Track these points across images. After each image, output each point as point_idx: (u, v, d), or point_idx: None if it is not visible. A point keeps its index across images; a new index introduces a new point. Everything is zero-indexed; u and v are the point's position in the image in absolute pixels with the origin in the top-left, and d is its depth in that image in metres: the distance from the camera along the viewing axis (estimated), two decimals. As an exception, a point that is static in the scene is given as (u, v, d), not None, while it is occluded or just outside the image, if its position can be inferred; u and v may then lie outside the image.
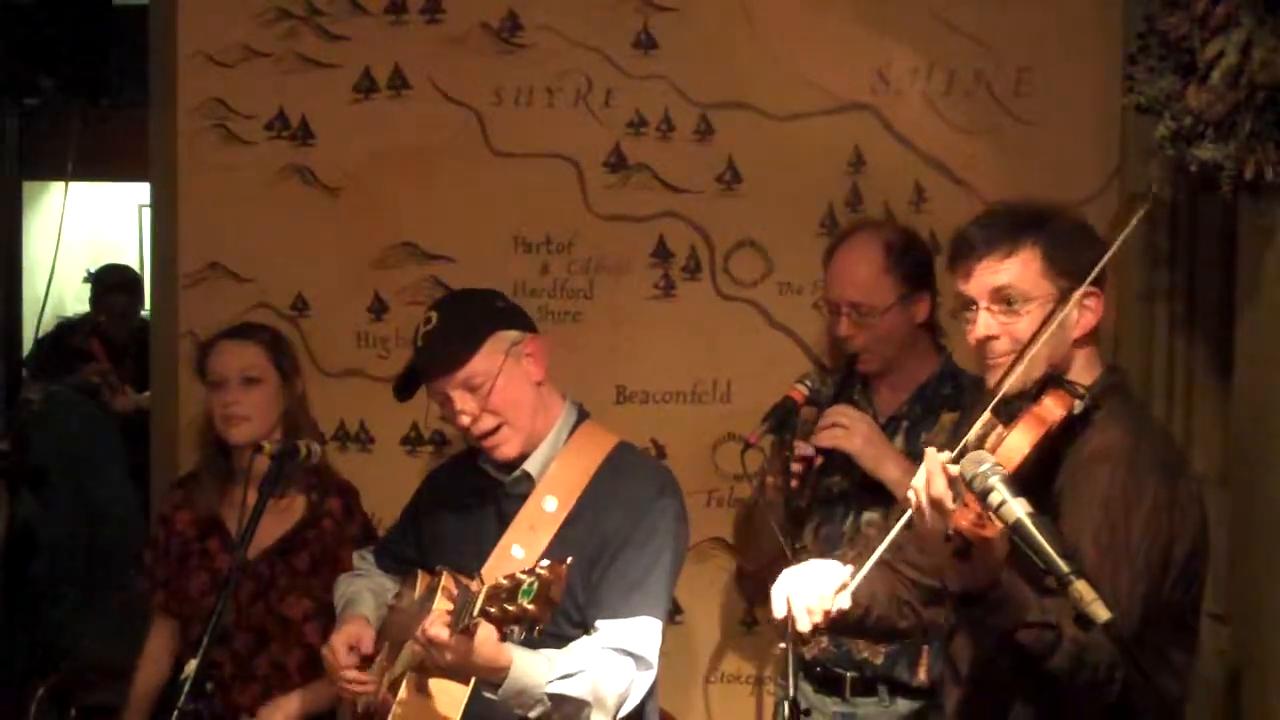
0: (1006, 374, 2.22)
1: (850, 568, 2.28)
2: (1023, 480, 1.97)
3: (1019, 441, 2.12)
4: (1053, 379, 2.24)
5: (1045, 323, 2.23)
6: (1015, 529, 1.78)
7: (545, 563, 2.31)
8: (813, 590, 2.24)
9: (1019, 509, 1.79)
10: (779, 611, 2.27)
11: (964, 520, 1.95)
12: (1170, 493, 2.18)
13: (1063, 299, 2.24)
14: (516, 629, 2.41)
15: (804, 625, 2.22)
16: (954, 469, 1.98)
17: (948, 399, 3.10)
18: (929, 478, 2.00)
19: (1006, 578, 2.03)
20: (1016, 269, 2.27)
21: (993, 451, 2.07)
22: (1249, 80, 2.67)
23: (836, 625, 2.28)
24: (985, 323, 2.29)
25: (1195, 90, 2.79)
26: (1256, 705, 2.71)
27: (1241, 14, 2.68)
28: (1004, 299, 2.27)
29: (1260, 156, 2.69)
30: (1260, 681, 2.72)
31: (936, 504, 1.99)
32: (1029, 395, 2.22)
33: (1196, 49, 2.79)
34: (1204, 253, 3.13)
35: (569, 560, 2.32)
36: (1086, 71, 3.51)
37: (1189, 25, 2.82)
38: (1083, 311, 2.28)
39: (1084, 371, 2.30)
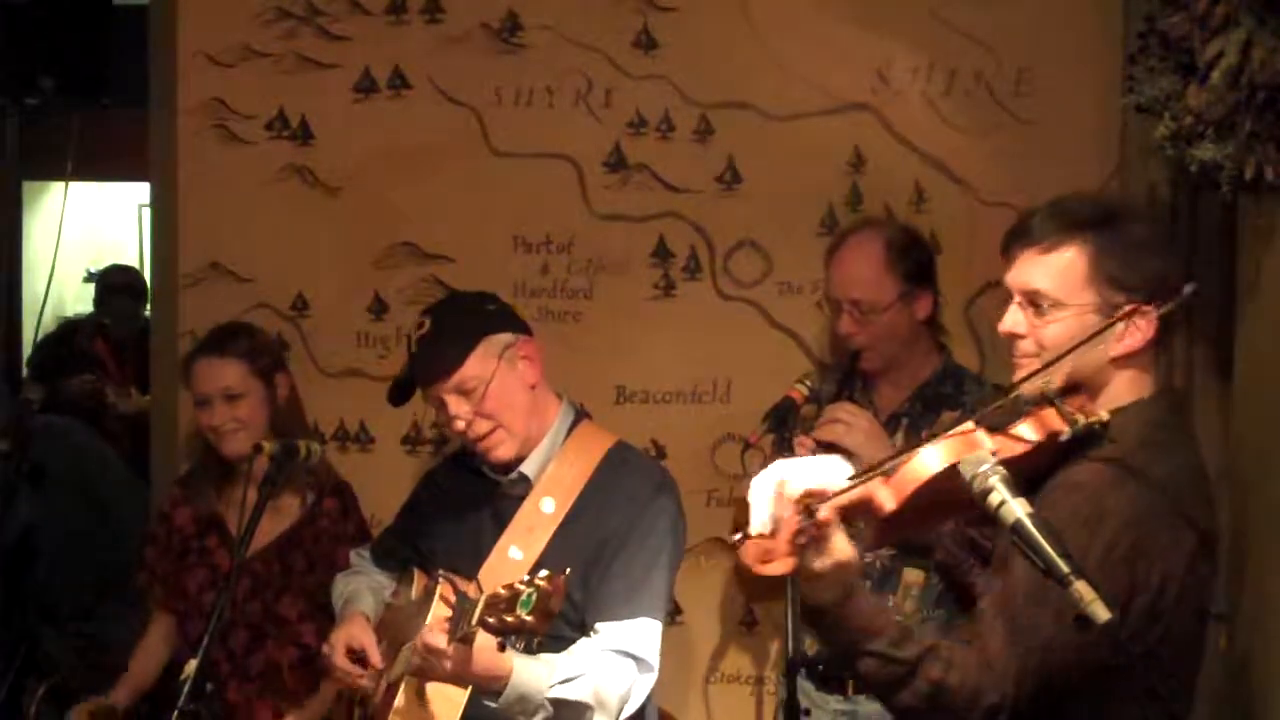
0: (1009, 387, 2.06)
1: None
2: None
3: (931, 460, 1.95)
4: (1046, 399, 2.05)
5: (1077, 345, 2.03)
6: (1015, 529, 1.77)
7: (544, 573, 2.30)
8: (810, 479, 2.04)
9: (1019, 509, 1.79)
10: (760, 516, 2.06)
11: (749, 554, 1.94)
12: (1127, 548, 1.97)
13: (1106, 315, 2.04)
14: (515, 639, 2.41)
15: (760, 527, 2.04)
16: (838, 487, 1.90)
17: (948, 397, 3.11)
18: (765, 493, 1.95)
19: (858, 604, 1.97)
20: (1055, 269, 2.08)
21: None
22: (1249, 80, 2.66)
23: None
24: (1012, 318, 2.14)
25: (1195, 90, 2.78)
26: (1256, 705, 2.71)
27: (1241, 14, 2.67)
28: (1034, 302, 2.10)
29: (1260, 156, 2.69)
30: (1260, 681, 2.72)
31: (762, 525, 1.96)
32: (1020, 408, 2.06)
33: (1196, 49, 2.79)
34: (1204, 253, 3.13)
35: (567, 571, 2.32)
36: (1086, 71, 3.51)
37: (1189, 25, 2.82)
38: (1129, 329, 2.05)
39: (1120, 392, 2.09)
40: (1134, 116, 3.14)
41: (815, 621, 2.02)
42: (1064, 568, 1.72)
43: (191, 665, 2.61)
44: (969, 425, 1.98)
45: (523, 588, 2.29)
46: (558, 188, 3.66)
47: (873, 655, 1.98)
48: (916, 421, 3.11)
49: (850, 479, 1.96)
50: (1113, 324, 2.04)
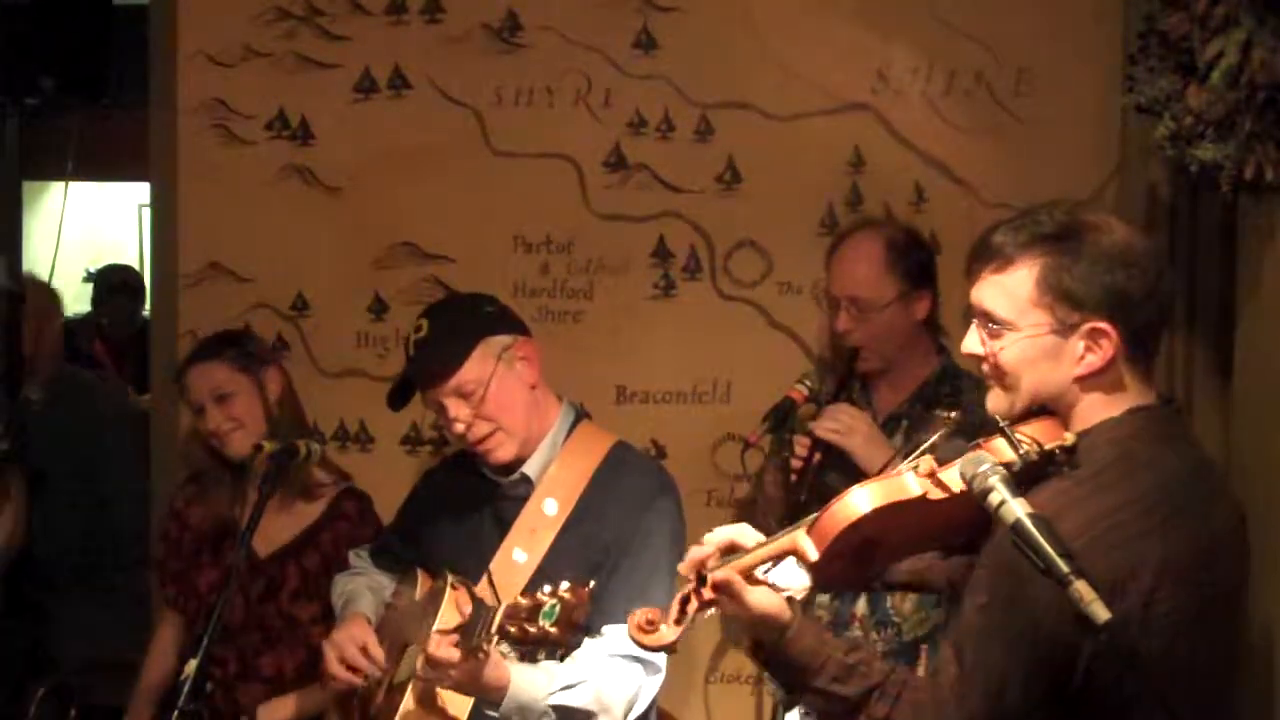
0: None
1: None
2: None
3: (952, 482, 1.95)
4: (995, 425, 1.98)
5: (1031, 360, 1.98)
6: (1015, 529, 1.77)
7: (566, 585, 2.28)
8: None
9: (1019, 509, 1.79)
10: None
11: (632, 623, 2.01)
12: (999, 608, 1.90)
13: (1063, 334, 1.95)
14: (536, 651, 2.40)
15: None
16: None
17: (947, 398, 3.11)
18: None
19: (797, 642, 1.99)
20: (1004, 289, 1.99)
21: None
22: (1249, 80, 2.67)
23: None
24: (970, 339, 2.06)
25: (1195, 90, 2.79)
26: (1257, 705, 2.71)
27: (1241, 14, 2.68)
28: (988, 323, 2.01)
29: (1260, 156, 2.69)
30: (1260, 681, 2.72)
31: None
32: (989, 430, 2.01)
33: (1196, 49, 2.79)
34: (1204, 253, 3.13)
35: (592, 584, 2.31)
36: (1086, 71, 3.52)
37: (1189, 25, 2.82)
38: (1088, 348, 1.95)
39: (1091, 414, 1.99)
40: (1134, 116, 3.14)
41: (758, 658, 2.05)
42: (1064, 568, 1.72)
43: (192, 665, 2.61)
44: (924, 459, 1.98)
45: (545, 599, 2.27)
46: (558, 188, 3.66)
47: (815, 692, 2.00)
48: (915, 423, 3.11)
49: (779, 533, 2.00)
50: (1055, 336, 1.96)
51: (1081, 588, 1.70)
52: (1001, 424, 1.97)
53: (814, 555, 1.96)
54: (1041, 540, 1.75)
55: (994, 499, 1.81)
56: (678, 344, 3.66)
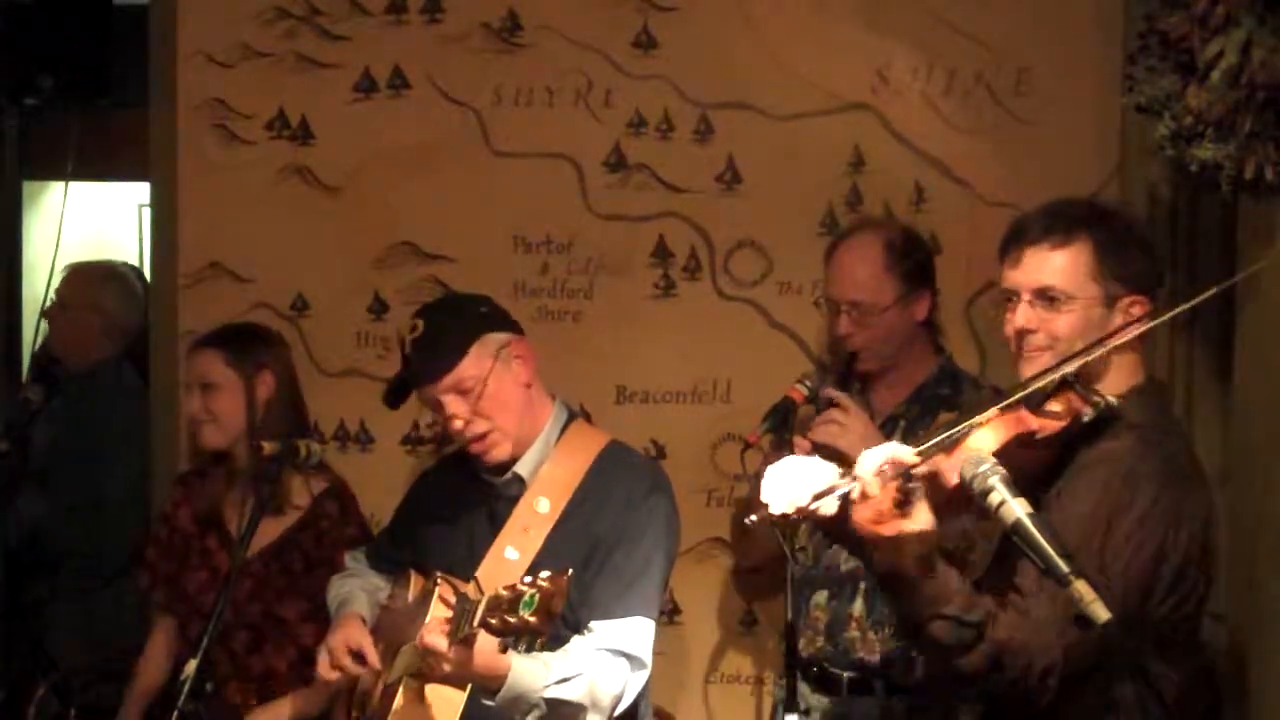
0: (1033, 377, 2.19)
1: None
2: (1021, 480, 1.97)
3: (985, 439, 2.07)
4: (1066, 383, 2.18)
5: (1098, 342, 2.19)
6: (1015, 529, 1.78)
7: (545, 574, 2.30)
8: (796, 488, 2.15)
9: (1018, 509, 1.79)
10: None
11: (863, 515, 1.99)
12: (1167, 504, 2.13)
13: (1108, 306, 2.22)
14: (517, 640, 2.41)
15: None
16: (913, 458, 1.98)
17: (945, 399, 3.11)
18: (873, 463, 2.00)
19: (935, 571, 2.04)
20: (1065, 264, 2.24)
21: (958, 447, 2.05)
22: (1249, 80, 2.66)
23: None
24: (1024, 314, 2.26)
25: (1195, 90, 2.78)
26: (1257, 706, 2.71)
27: (1241, 14, 2.67)
28: (1047, 297, 2.24)
29: (1260, 156, 2.69)
30: (1260, 681, 2.72)
31: (865, 486, 2.00)
32: (1036, 398, 2.17)
33: (1196, 49, 2.79)
34: (1204, 253, 3.13)
35: (570, 572, 2.32)
36: (1086, 71, 3.51)
37: (1189, 25, 2.82)
38: (1125, 319, 2.23)
39: (1119, 380, 2.25)
40: (1134, 116, 3.14)
41: (892, 587, 2.08)
42: (1064, 567, 1.73)
43: (191, 665, 2.61)
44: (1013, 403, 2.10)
45: (525, 588, 2.29)
46: (558, 188, 3.66)
47: (945, 619, 2.04)
48: (913, 423, 3.11)
49: (917, 452, 2.04)
50: (1138, 322, 2.20)
51: (1081, 587, 1.71)
52: (1070, 378, 2.16)
53: (955, 480, 2.00)
54: (1041, 540, 1.75)
55: (994, 499, 1.82)
56: (678, 344, 3.65)
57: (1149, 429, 2.21)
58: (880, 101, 3.60)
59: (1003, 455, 1.99)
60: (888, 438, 3.07)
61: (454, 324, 2.77)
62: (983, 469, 1.85)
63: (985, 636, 2.03)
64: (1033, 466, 2.14)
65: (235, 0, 3.68)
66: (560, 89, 3.65)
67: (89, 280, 4.46)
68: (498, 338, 2.77)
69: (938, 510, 2.05)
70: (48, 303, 4.50)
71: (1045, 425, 2.12)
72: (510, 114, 3.66)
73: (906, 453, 2.02)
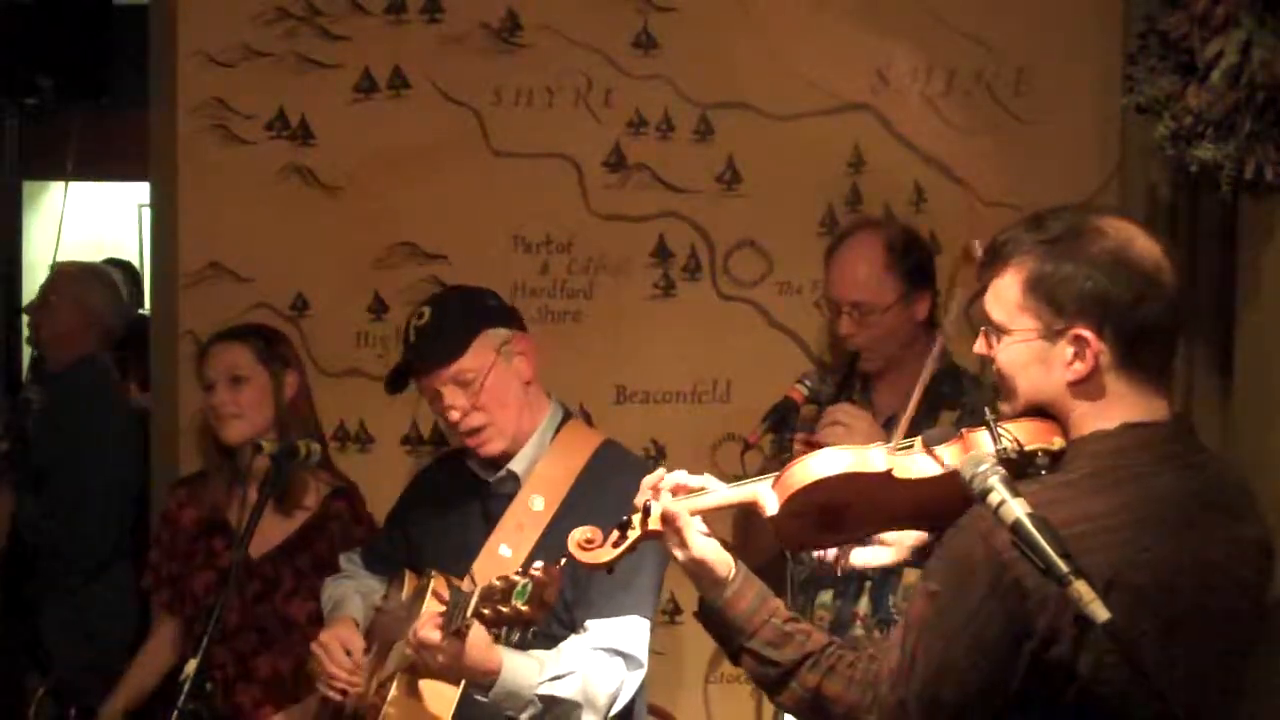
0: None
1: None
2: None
3: (923, 465, 1.97)
4: (986, 420, 1.97)
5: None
6: (1014, 529, 1.77)
7: (539, 564, 2.31)
8: None
9: (1018, 509, 1.79)
10: None
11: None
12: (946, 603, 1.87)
13: (1046, 337, 1.93)
14: (510, 631, 2.41)
15: None
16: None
17: (947, 398, 3.10)
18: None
19: (736, 602, 2.00)
20: (997, 293, 1.99)
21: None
22: (1249, 80, 2.67)
23: None
24: (980, 342, 2.06)
25: (1195, 90, 2.79)
26: (1257, 706, 2.70)
27: (1241, 14, 2.68)
28: (986, 324, 2.03)
29: (1260, 156, 2.69)
30: (1261, 686, 2.71)
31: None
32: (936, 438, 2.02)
33: (1196, 49, 2.79)
34: (1204, 253, 3.13)
35: (563, 562, 2.32)
36: (1086, 71, 3.52)
37: (1189, 25, 2.82)
38: (1075, 354, 1.92)
39: (1083, 423, 1.95)
40: (1134, 116, 3.14)
41: (699, 615, 2.07)
42: (1063, 568, 1.72)
43: (192, 665, 2.61)
44: (917, 440, 2.00)
45: (518, 578, 2.30)
46: (558, 188, 3.66)
47: (749, 654, 2.01)
48: (915, 422, 3.10)
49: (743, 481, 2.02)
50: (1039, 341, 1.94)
51: (1081, 587, 1.70)
52: (987, 416, 1.96)
53: (772, 509, 1.97)
54: (1041, 540, 1.75)
55: (994, 499, 1.81)
56: (678, 344, 3.65)
57: (1074, 483, 1.91)
58: (880, 101, 3.60)
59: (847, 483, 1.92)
60: (890, 437, 3.07)
61: (460, 315, 2.77)
62: (982, 469, 1.84)
63: (796, 678, 1.96)
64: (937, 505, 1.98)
65: (235, 0, 3.68)
66: (560, 89, 3.65)
67: (71, 278, 4.48)
68: (502, 333, 2.77)
69: (802, 535, 2.04)
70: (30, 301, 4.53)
71: (900, 468, 1.95)
72: (510, 114, 3.66)
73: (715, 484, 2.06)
